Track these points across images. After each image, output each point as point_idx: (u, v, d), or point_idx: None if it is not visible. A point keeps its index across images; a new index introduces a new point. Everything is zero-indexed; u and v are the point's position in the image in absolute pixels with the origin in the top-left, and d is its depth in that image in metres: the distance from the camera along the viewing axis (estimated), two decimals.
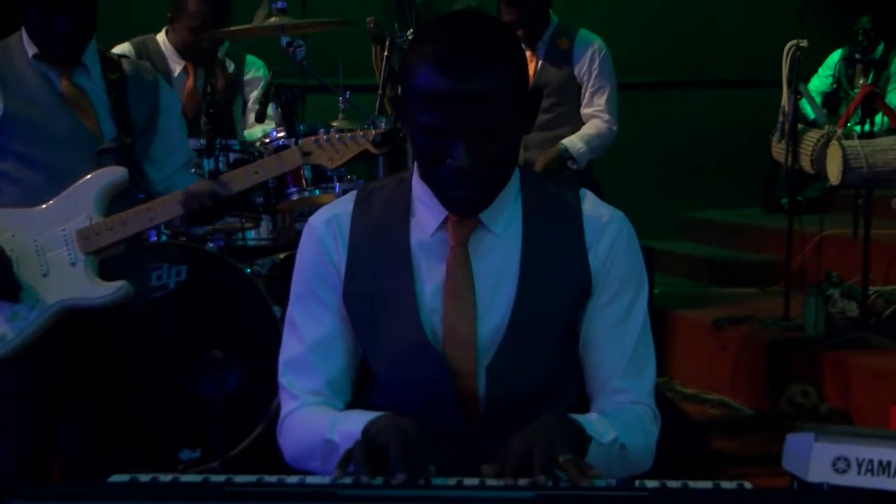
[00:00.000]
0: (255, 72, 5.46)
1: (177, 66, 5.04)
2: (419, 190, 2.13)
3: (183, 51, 5.03)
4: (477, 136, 1.97)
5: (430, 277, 2.11)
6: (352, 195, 2.21)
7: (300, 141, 3.23)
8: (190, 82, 5.04)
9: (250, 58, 5.48)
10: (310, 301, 2.17)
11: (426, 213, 2.12)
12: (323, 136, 3.01)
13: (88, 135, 3.13)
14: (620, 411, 2.11)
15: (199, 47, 4.95)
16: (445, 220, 2.11)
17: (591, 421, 2.04)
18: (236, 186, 3.16)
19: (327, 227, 2.17)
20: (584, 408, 2.15)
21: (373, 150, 3.02)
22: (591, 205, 2.17)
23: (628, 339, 2.14)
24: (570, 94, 5.22)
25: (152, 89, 3.29)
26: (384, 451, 1.84)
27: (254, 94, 5.31)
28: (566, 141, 5.19)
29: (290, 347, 2.18)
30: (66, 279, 3.07)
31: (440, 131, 1.97)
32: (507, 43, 2.02)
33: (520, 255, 2.11)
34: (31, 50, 3.13)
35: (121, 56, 3.31)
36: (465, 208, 2.08)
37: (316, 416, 2.10)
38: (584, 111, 5.29)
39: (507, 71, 1.98)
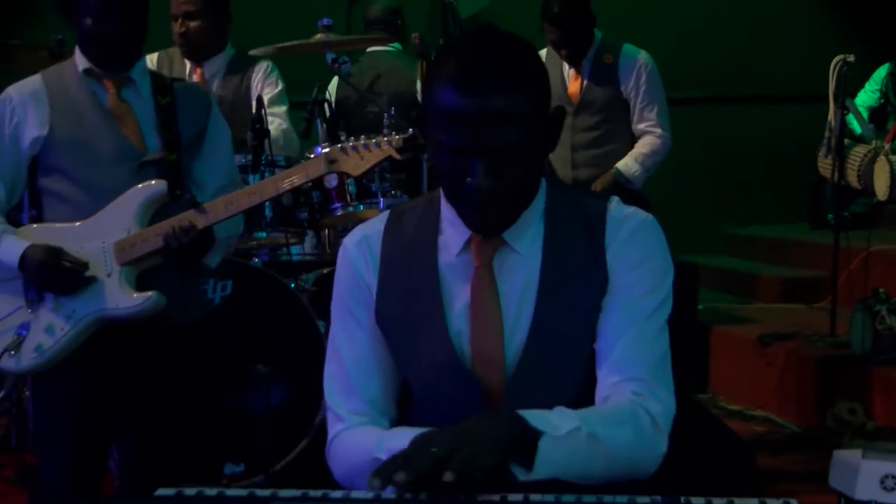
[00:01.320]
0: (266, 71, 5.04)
1: (187, 69, 5.02)
2: (447, 210, 2.12)
3: (178, 45, 4.95)
4: (496, 156, 1.94)
5: (457, 298, 2.09)
6: (384, 215, 2.21)
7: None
8: (197, 80, 4.95)
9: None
10: (347, 321, 2.18)
11: (452, 233, 2.11)
12: (349, 144, 3.01)
13: (132, 149, 3.15)
14: (607, 402, 2.02)
15: (182, 38, 4.87)
16: (469, 241, 2.09)
17: (545, 414, 1.93)
18: (244, 203, 3.09)
19: (359, 249, 2.18)
20: None
21: (396, 156, 3.00)
22: (616, 206, 2.12)
23: (636, 333, 2.04)
24: (618, 110, 5.21)
25: (203, 114, 3.30)
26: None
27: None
28: (620, 165, 5.17)
29: (332, 367, 2.20)
30: (100, 290, 3.09)
31: (459, 150, 1.95)
32: (527, 60, 1.99)
33: (539, 273, 2.07)
34: (83, 65, 3.16)
35: (174, 80, 3.33)
36: (486, 228, 2.06)
37: (363, 436, 2.10)
38: (637, 127, 5.27)
39: (528, 89, 1.96)
